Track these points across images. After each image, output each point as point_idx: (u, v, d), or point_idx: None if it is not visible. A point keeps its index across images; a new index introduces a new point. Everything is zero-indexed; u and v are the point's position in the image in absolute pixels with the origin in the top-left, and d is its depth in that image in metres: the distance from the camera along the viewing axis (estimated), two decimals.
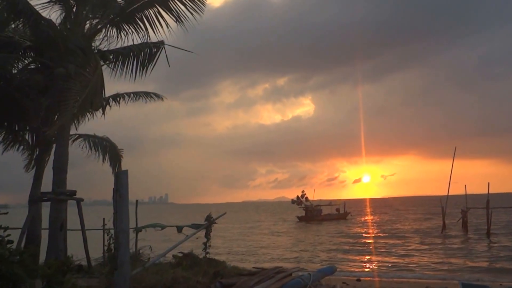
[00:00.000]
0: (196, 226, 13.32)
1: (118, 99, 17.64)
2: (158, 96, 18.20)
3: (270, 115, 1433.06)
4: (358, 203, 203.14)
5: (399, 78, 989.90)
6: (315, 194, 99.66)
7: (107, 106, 17.45)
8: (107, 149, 18.17)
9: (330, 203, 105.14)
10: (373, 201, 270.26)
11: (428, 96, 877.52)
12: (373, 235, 58.77)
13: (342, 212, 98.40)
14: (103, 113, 17.39)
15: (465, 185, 57.72)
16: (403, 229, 64.79)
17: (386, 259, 37.05)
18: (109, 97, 17.44)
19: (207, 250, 13.14)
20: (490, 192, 52.04)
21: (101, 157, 18.18)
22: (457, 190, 61.69)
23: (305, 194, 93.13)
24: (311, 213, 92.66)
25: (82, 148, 18.17)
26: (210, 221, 13.39)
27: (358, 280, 26.58)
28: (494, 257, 35.72)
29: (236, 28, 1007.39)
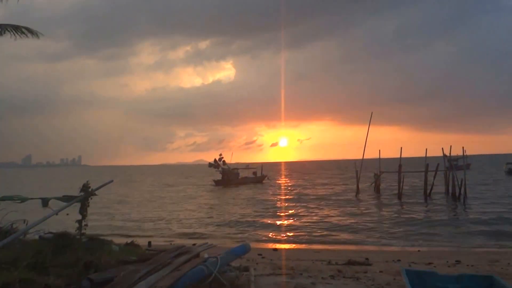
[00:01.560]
0: (68, 199, 10.04)
1: None
2: (31, 31, 14.21)
3: (190, 79, 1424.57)
4: (275, 167, 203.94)
5: (320, 46, 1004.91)
6: (232, 158, 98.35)
7: None
8: None
9: (247, 166, 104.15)
10: (289, 164, 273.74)
11: (346, 65, 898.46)
12: (288, 199, 57.14)
13: (259, 176, 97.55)
14: None
15: (379, 150, 57.61)
16: (318, 193, 63.46)
17: (301, 224, 35.30)
18: None
19: (82, 231, 9.98)
20: (402, 156, 51.89)
21: None
22: (371, 154, 61.15)
23: (222, 157, 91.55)
24: (228, 177, 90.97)
25: None
26: (87, 192, 10.11)
27: (275, 250, 24.60)
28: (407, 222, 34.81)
29: None
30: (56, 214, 9.55)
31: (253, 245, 27.64)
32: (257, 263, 15.03)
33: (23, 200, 10.04)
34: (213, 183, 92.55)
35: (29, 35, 13.91)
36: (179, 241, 28.98)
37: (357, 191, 57.24)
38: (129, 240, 25.64)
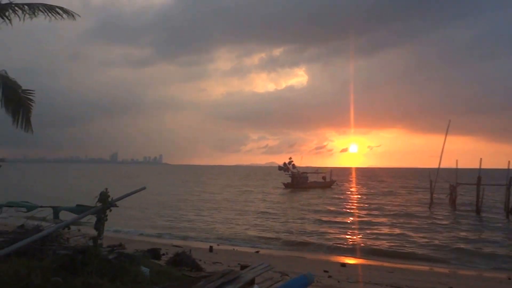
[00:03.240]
0: (82, 209, 7.67)
1: (6, 13, 11.64)
2: (66, 12, 12.21)
3: (264, 84, 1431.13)
4: (345, 172, 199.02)
5: (393, 54, 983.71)
6: (302, 161, 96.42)
7: None
8: (1, 88, 11.91)
9: (316, 170, 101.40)
10: (359, 170, 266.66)
11: (419, 72, 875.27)
12: (356, 207, 53.83)
13: (328, 180, 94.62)
14: None
15: (457, 160, 53.03)
16: (388, 203, 59.39)
17: (369, 236, 32.33)
18: None
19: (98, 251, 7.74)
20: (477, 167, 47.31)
21: None
22: (444, 163, 56.52)
23: (292, 161, 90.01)
24: (297, 180, 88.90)
25: None
26: (105, 203, 7.64)
27: (343, 265, 21.88)
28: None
29: None
30: (66, 228, 7.40)
31: (320, 257, 25.42)
32: None
33: (29, 209, 7.91)
34: (282, 185, 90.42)
35: (64, 15, 11.99)
36: (240, 249, 27.05)
37: (431, 203, 52.87)
38: (180, 242, 23.84)
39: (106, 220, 7.92)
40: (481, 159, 47.23)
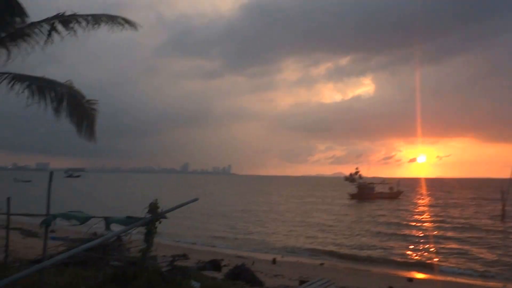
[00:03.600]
0: (130, 221, 7.47)
1: (69, 24, 11.75)
2: (128, 22, 12.22)
3: (331, 94, 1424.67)
4: (413, 182, 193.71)
5: (461, 60, 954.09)
6: (369, 172, 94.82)
7: (53, 32, 11.54)
8: (64, 98, 11.94)
9: (383, 181, 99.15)
10: (428, 180, 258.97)
11: (490, 78, 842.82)
12: (424, 219, 51.90)
13: (395, 191, 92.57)
14: (48, 37, 11.49)
15: None
16: (458, 216, 56.83)
17: (439, 250, 31.02)
18: (53, 18, 11.68)
19: (146, 264, 7.57)
20: None
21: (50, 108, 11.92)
22: None
23: (358, 171, 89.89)
24: (363, 191, 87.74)
25: (18, 93, 11.88)
26: (155, 215, 7.38)
27: (410, 280, 21.15)
28: None
29: (302, 7, 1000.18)
30: (116, 237, 7.38)
31: (385, 271, 24.64)
32: None
33: (82, 221, 7.86)
34: (348, 196, 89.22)
35: (126, 25, 12.05)
36: (304, 261, 26.71)
37: (503, 215, 50.32)
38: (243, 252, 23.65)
39: (156, 232, 7.81)
40: None
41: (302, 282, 9.83)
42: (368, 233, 38.80)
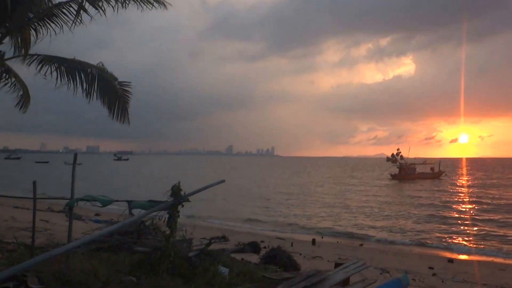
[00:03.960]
0: (151, 205, 7.21)
1: (98, 2, 11.47)
2: (158, 1, 11.84)
3: (372, 74, 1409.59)
4: (454, 162, 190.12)
5: (503, 39, 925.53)
6: (410, 152, 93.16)
7: (81, 11, 11.25)
8: (95, 80, 11.73)
9: (424, 161, 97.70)
10: (470, 160, 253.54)
11: None
12: (465, 200, 50.82)
13: (436, 172, 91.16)
14: (76, 17, 11.27)
15: None
16: (499, 195, 55.33)
17: (481, 232, 30.33)
18: None
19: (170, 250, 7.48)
20: None
21: (79, 90, 11.65)
22: None
23: (400, 152, 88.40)
24: (405, 171, 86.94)
25: (45, 75, 11.63)
26: (177, 199, 7.07)
27: (450, 261, 20.75)
28: None
29: None
30: (137, 224, 7.32)
31: (426, 251, 24.28)
32: None
33: (104, 203, 7.78)
34: (390, 176, 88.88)
35: (156, 5, 11.83)
36: (344, 241, 26.57)
37: None
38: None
39: (178, 216, 7.64)
40: None
41: (337, 264, 9.60)
42: (409, 214, 38.23)
